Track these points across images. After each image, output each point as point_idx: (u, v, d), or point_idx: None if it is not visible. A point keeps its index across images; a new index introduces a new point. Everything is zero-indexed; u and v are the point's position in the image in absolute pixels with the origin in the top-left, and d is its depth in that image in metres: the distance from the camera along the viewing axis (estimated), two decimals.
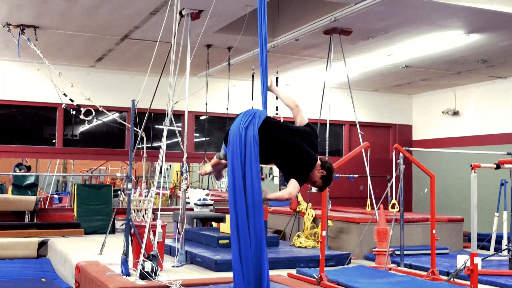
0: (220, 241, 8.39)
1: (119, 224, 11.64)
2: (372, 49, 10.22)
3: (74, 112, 10.40)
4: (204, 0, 7.53)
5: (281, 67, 11.19)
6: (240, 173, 3.85)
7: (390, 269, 7.39)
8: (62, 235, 10.79)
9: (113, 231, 10.97)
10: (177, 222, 9.11)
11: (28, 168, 15.29)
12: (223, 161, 4.21)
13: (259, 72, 4.24)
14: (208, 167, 4.44)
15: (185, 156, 7.67)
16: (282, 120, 10.15)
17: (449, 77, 12.58)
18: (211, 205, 12.17)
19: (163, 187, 9.95)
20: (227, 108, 10.76)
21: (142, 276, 6.15)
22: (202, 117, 12.89)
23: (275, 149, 3.99)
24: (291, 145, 3.99)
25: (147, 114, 7.98)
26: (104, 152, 12.88)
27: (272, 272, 7.01)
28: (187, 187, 7.95)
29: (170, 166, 18.35)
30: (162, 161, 6.72)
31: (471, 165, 5.31)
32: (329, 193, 8.57)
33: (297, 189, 3.97)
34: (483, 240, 9.33)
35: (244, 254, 3.83)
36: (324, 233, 6.58)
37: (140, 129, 8.05)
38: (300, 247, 8.87)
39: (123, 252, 6.75)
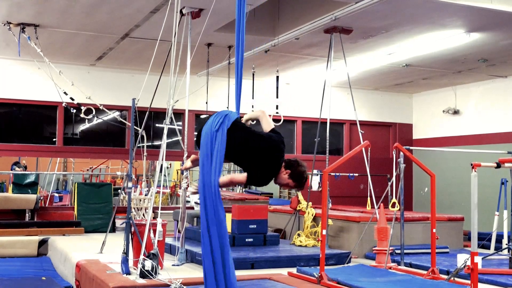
0: None
1: (119, 222, 11.65)
2: (373, 48, 10.22)
3: (74, 111, 10.42)
4: None
5: (281, 66, 11.19)
6: (210, 173, 3.92)
7: (390, 268, 7.39)
8: (62, 233, 10.80)
9: (113, 229, 10.97)
10: (178, 221, 9.11)
11: (24, 168, 15.29)
12: None
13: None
14: (188, 163, 4.56)
15: (185, 155, 7.67)
16: (282, 120, 10.14)
17: (449, 76, 12.58)
18: None
19: (163, 185, 9.97)
20: (228, 107, 10.76)
21: (142, 274, 6.15)
22: (202, 116, 12.89)
23: (238, 151, 4.04)
24: (253, 150, 4.02)
25: (147, 112, 7.97)
26: (104, 151, 12.89)
27: (272, 271, 7.04)
28: (188, 185, 7.95)
29: (170, 164, 18.35)
30: (162, 159, 6.73)
31: (471, 164, 5.30)
32: (329, 192, 8.56)
33: (242, 178, 4.01)
34: (483, 239, 9.32)
35: (215, 249, 3.87)
36: (324, 232, 6.58)
37: (140, 128, 8.05)
38: (300, 246, 8.87)
39: (124, 250, 6.75)
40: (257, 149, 4.00)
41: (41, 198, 12.58)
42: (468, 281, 5.64)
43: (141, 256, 6.24)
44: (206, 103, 10.66)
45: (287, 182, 4.10)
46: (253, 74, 10.37)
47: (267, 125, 4.22)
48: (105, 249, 8.28)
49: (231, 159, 4.13)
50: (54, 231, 10.75)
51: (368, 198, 9.53)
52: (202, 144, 4.00)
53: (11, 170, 14.14)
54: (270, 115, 4.50)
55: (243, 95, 4.34)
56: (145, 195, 12.22)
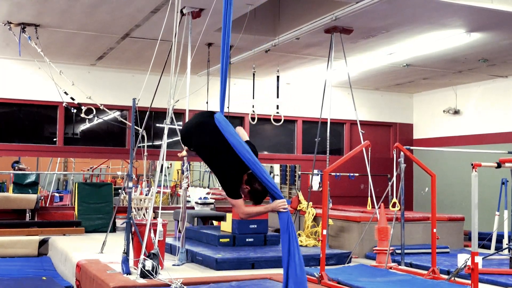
0: (220, 240, 8.40)
1: (119, 222, 11.66)
2: (373, 48, 10.21)
3: (75, 111, 10.42)
4: None
5: (281, 66, 11.18)
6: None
7: (390, 268, 7.39)
8: (63, 233, 10.80)
9: (113, 229, 10.98)
10: (178, 221, 9.11)
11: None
12: None
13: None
14: (184, 152, 5.20)
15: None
16: (282, 120, 10.14)
17: (450, 76, 12.57)
18: (212, 203, 12.18)
19: (164, 185, 9.97)
20: (228, 107, 10.75)
21: (143, 274, 6.16)
22: None
23: (217, 152, 4.35)
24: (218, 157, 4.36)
25: (148, 112, 7.97)
26: (104, 151, 12.87)
27: (273, 271, 7.03)
28: (188, 185, 7.96)
29: (171, 164, 18.37)
30: (163, 159, 6.73)
31: (471, 164, 5.30)
32: (330, 192, 8.56)
33: (242, 208, 4.25)
34: (484, 239, 9.33)
35: None
36: (324, 232, 6.59)
37: (141, 128, 8.06)
38: (300, 246, 8.83)
39: (124, 250, 6.75)
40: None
41: (42, 198, 12.58)
42: (469, 281, 5.65)
43: (142, 256, 6.25)
44: (207, 103, 10.65)
45: (246, 197, 4.33)
46: (254, 74, 10.36)
47: (243, 137, 4.64)
48: (106, 249, 8.28)
49: (205, 156, 4.47)
50: (55, 231, 10.75)
51: (369, 198, 9.52)
52: (237, 141, 4.31)
53: (12, 168, 14.15)
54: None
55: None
56: (146, 195, 12.22)
